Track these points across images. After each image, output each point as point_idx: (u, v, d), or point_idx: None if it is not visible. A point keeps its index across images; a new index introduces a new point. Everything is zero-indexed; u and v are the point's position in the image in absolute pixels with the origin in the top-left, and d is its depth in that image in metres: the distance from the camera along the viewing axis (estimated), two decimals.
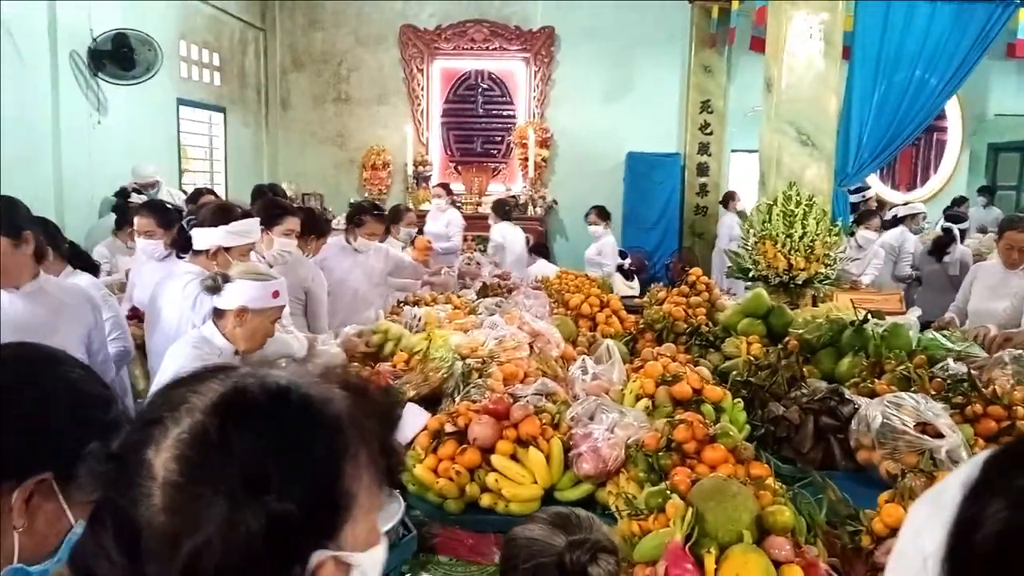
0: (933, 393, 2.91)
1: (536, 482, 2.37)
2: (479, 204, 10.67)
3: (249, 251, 3.18)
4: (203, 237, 3.07)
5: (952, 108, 10.95)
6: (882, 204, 7.35)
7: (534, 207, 10.65)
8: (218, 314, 2.57)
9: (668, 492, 1.95)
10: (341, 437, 0.76)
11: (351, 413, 0.77)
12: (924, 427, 2.60)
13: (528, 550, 1.37)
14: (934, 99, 7.77)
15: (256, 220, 3.23)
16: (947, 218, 7.14)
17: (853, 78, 7.46)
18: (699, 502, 1.86)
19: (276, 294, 2.52)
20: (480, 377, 2.88)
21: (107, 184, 6.93)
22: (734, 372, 3.43)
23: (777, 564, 1.76)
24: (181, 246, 3.17)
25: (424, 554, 2.20)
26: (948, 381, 2.99)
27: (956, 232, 6.95)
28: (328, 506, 0.74)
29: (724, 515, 1.82)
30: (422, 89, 11.02)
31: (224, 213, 3.13)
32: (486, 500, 2.34)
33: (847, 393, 2.89)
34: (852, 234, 6.45)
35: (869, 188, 8.02)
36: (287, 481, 0.71)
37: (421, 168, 10.85)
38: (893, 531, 1.88)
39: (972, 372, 3.02)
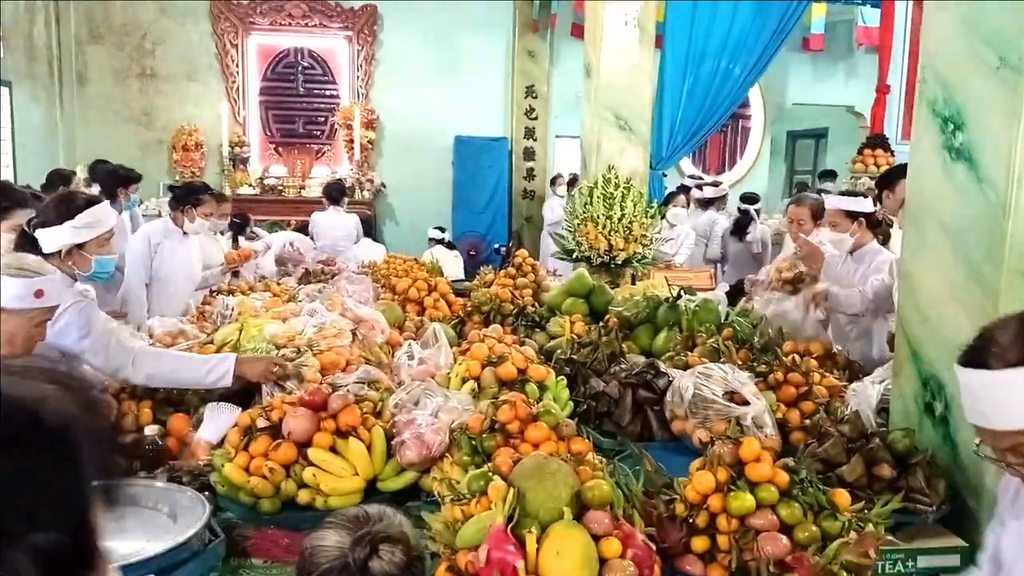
0: (740, 363, 3.08)
1: (357, 474, 2.28)
2: (303, 188, 10.29)
3: (109, 240, 2.79)
4: (49, 238, 2.66)
5: (755, 97, 11.75)
6: (754, 200, 7.71)
7: (361, 190, 10.40)
8: None
9: (490, 474, 1.93)
10: (78, 447, 0.65)
11: (73, 415, 0.67)
12: (732, 395, 2.75)
13: (314, 559, 1.30)
14: (738, 88, 8.32)
15: (105, 206, 2.82)
16: (742, 200, 7.68)
17: (665, 67, 7.84)
18: (520, 482, 1.84)
19: (40, 293, 2.22)
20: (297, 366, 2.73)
21: None
22: (558, 351, 3.48)
23: (597, 538, 1.78)
24: (30, 252, 2.65)
25: (236, 559, 2.06)
26: (753, 351, 3.17)
27: (753, 212, 7.48)
28: (88, 531, 0.65)
29: (544, 493, 1.82)
30: (237, 66, 10.44)
31: (66, 205, 2.73)
32: (304, 496, 2.23)
33: (662, 366, 3.00)
34: (663, 216, 6.78)
35: (721, 183, 8.47)
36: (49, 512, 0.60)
37: (238, 149, 10.30)
38: (704, 497, 1.96)
39: (773, 343, 3.23)
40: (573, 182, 8.76)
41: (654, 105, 6.94)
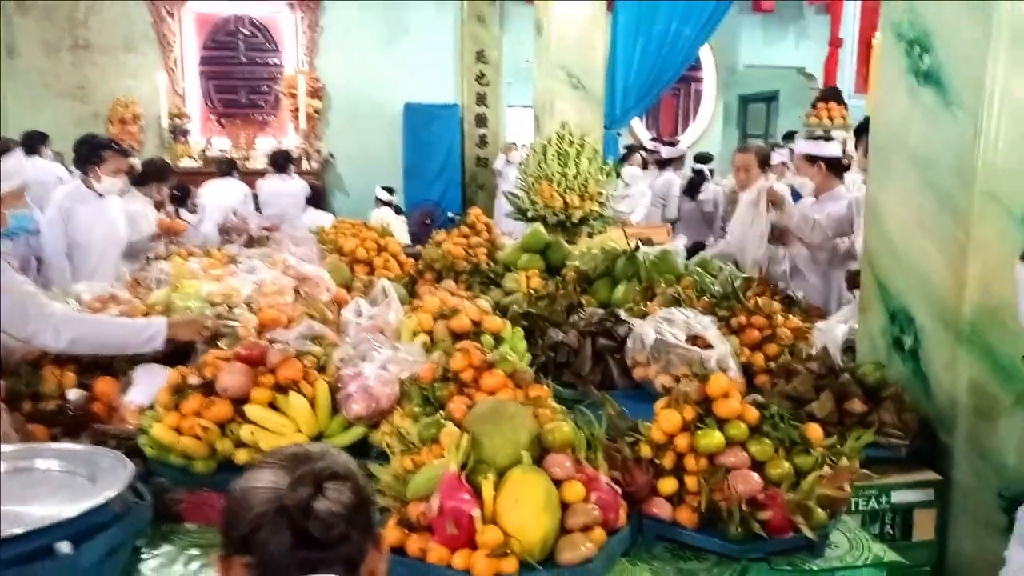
0: (701, 310, 2.98)
1: (300, 431, 2.11)
2: (247, 159, 9.94)
3: (23, 195, 2.56)
4: None
5: (707, 60, 11.68)
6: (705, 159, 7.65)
7: (309, 161, 10.10)
8: None
9: (442, 421, 1.78)
10: None
11: None
12: (694, 340, 2.64)
13: (246, 502, 1.11)
14: (689, 47, 8.23)
15: (17, 155, 2.55)
16: (696, 159, 7.61)
17: (617, 26, 7.70)
18: (475, 427, 1.70)
19: None
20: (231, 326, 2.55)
21: None
22: (514, 305, 3.35)
23: (558, 482, 1.65)
24: None
25: (168, 524, 1.89)
26: (715, 298, 3.07)
27: (707, 172, 7.42)
28: None
29: (501, 437, 1.68)
30: (175, 35, 10.02)
31: None
32: (242, 456, 2.05)
33: (622, 314, 2.88)
34: (619, 174, 6.67)
35: (679, 142, 8.38)
36: None
37: (178, 121, 9.90)
38: (671, 437, 1.84)
39: (735, 286, 3.13)
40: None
41: (607, 65, 6.80)
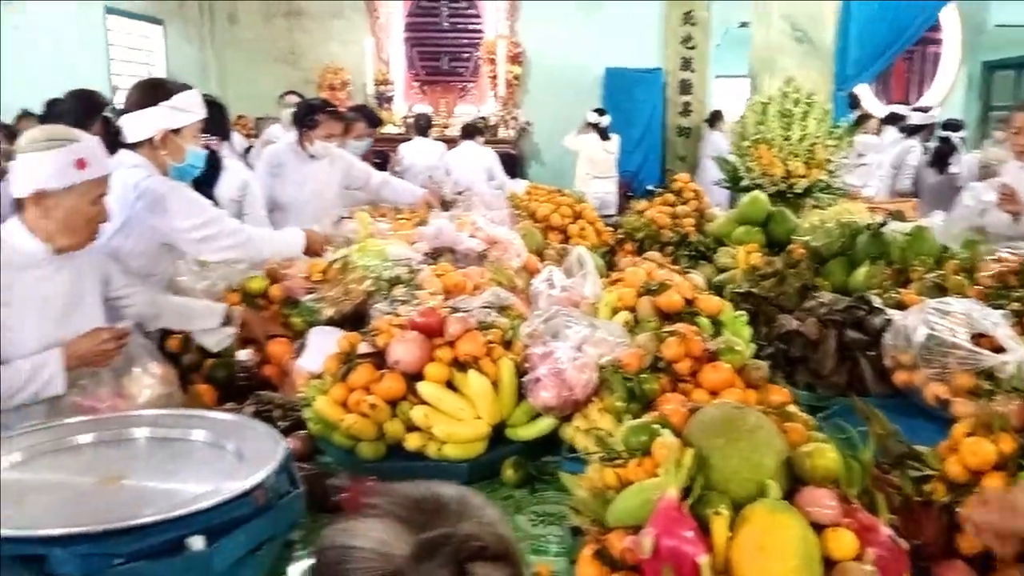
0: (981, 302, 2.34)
1: (480, 417, 1.78)
2: (446, 126, 9.92)
3: (200, 130, 2.51)
4: (139, 123, 2.35)
5: (950, 19, 10.24)
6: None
7: (506, 129, 9.92)
8: (20, 205, 1.92)
9: (656, 426, 1.37)
10: None
11: None
12: (978, 339, 2.05)
13: (342, 566, 0.74)
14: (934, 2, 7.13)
15: (198, 93, 2.51)
16: (944, 127, 6.56)
17: None
18: (702, 440, 1.28)
19: (82, 164, 1.83)
20: (411, 288, 2.27)
21: (23, 104, 6.11)
22: (730, 284, 2.86)
23: (818, 528, 1.19)
24: (110, 143, 2.33)
25: (327, 516, 1.62)
26: (999, 287, 2.42)
27: (956, 140, 6.38)
28: None
29: (739, 458, 1.25)
30: (381, 1, 10.15)
31: (159, 87, 2.44)
32: (413, 442, 1.76)
33: (876, 301, 2.32)
34: (851, 142, 5.88)
35: (931, 107, 7.39)
36: None
37: (383, 88, 10.05)
38: (977, 476, 1.32)
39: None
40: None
41: (839, 16, 5.99)
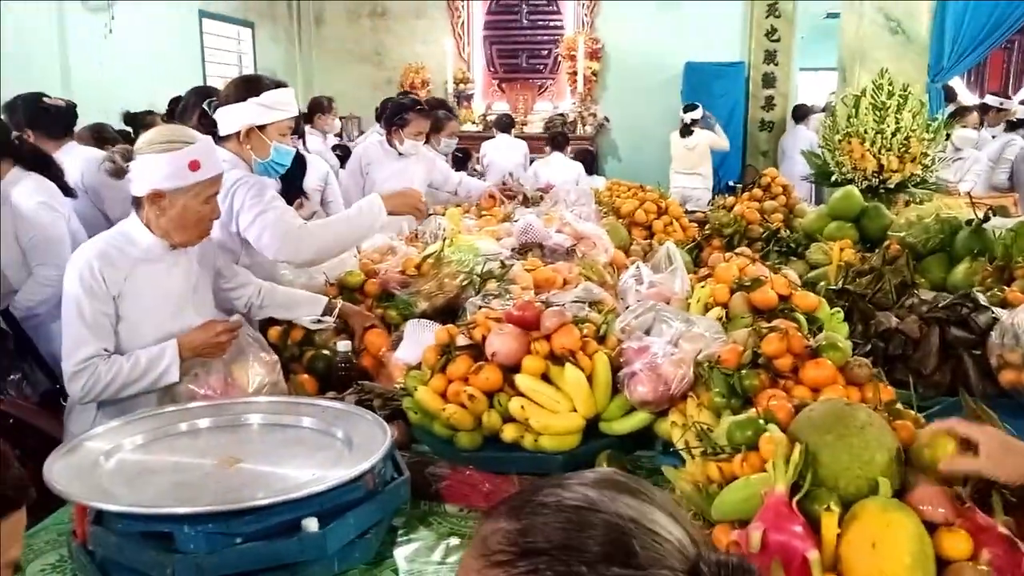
0: None
1: (575, 410, 1.80)
2: (525, 124, 9.96)
3: (290, 129, 2.54)
4: (230, 116, 2.42)
5: None
6: None
7: (584, 126, 9.90)
8: (137, 203, 2.02)
9: (762, 423, 1.37)
10: None
11: None
12: None
13: (628, 541, 0.66)
14: None
15: (291, 91, 2.55)
16: None
17: None
18: (809, 436, 1.27)
19: (195, 165, 1.91)
20: (504, 283, 2.30)
21: (122, 103, 6.43)
22: (823, 281, 2.80)
23: (932, 527, 1.17)
24: (207, 133, 2.38)
25: (427, 503, 1.67)
26: None
27: None
28: None
29: (849, 455, 1.24)
30: (463, 0, 10.26)
31: (251, 83, 2.50)
32: (509, 432, 1.79)
33: (982, 299, 2.24)
34: (948, 135, 5.65)
35: (1011, 99, 7.09)
36: None
37: (462, 86, 10.15)
38: None
39: None
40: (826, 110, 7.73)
41: (934, 6, 5.77)
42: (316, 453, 1.51)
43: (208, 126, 2.39)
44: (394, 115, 4.38)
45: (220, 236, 2.40)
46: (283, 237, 2.36)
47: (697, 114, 8.12)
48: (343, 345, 2.19)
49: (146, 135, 2.01)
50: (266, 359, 1.99)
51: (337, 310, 2.35)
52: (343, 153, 6.67)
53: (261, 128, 2.42)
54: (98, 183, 3.65)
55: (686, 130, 8.08)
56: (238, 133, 2.41)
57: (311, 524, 1.31)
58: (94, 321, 1.93)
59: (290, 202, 4.02)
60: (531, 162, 7.71)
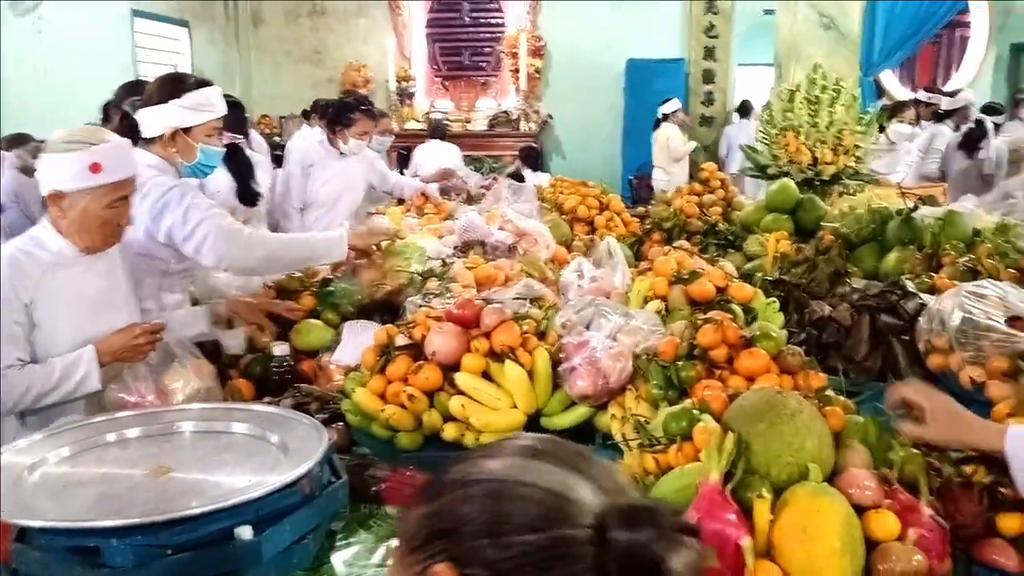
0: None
1: (516, 406, 1.80)
2: (468, 121, 9.94)
3: (216, 130, 2.43)
4: (151, 119, 2.32)
5: (979, 2, 10.07)
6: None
7: (527, 122, 9.92)
8: (44, 204, 1.95)
9: (696, 413, 1.38)
10: None
11: None
12: (1013, 321, 2.03)
13: (523, 504, 0.67)
14: None
15: (218, 90, 2.44)
16: (983, 110, 6.45)
17: None
18: (742, 426, 1.29)
19: (96, 167, 1.84)
20: (444, 282, 2.29)
21: (51, 107, 6.22)
22: (759, 273, 2.85)
23: (860, 510, 1.20)
24: (127, 135, 2.26)
25: (367, 506, 1.65)
26: None
27: (990, 125, 6.27)
28: None
29: (780, 442, 1.26)
30: None
31: (174, 83, 2.38)
32: (450, 432, 1.78)
33: (910, 286, 2.30)
34: (883, 129, 5.80)
35: (962, 90, 7.29)
36: None
37: (405, 84, 10.09)
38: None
39: None
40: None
41: (866, 4, 5.92)
42: (250, 459, 1.47)
43: (130, 128, 2.30)
44: (339, 114, 4.32)
45: (144, 244, 2.31)
46: (228, 242, 2.28)
47: (668, 107, 8.24)
48: (280, 349, 2.15)
49: (55, 134, 1.94)
50: (195, 366, 1.95)
51: (223, 313, 2.27)
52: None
53: (186, 131, 2.33)
54: (23, 189, 3.54)
55: (656, 124, 8.22)
56: (163, 136, 2.34)
57: (244, 532, 1.28)
58: (6, 331, 1.86)
59: (252, 204, 3.96)
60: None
